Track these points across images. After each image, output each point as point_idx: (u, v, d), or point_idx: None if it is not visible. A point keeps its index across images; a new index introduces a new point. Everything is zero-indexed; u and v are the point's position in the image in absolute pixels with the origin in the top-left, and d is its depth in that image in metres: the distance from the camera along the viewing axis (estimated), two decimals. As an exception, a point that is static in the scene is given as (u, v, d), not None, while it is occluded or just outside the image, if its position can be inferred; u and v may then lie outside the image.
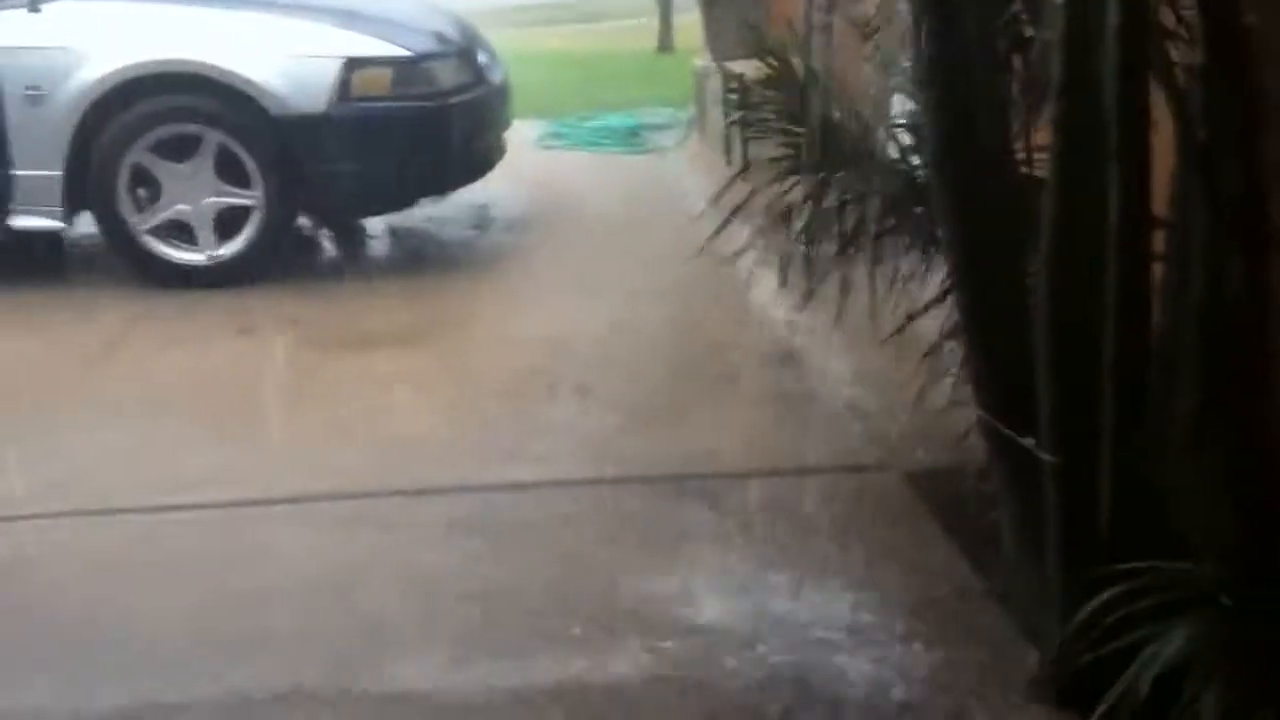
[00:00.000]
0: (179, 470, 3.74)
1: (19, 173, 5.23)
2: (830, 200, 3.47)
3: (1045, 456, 2.35)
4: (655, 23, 12.68)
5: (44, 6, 5.26)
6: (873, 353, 3.84)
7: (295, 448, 3.91)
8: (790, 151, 3.66)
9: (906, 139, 3.48)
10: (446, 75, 5.61)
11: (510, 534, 3.33)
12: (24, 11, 5.24)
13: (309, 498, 3.58)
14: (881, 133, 3.60)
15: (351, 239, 6.17)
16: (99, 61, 5.16)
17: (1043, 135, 2.60)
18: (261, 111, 5.22)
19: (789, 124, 3.71)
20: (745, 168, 3.92)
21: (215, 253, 5.34)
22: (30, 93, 5.14)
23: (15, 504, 3.53)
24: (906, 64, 3.54)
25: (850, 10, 5.04)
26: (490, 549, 3.25)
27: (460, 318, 5.13)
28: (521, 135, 6.97)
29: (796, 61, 3.81)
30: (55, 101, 5.15)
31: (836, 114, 3.65)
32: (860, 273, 3.44)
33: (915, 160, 3.38)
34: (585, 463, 3.75)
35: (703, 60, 7.68)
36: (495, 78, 5.97)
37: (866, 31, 3.65)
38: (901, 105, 3.59)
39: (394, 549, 3.26)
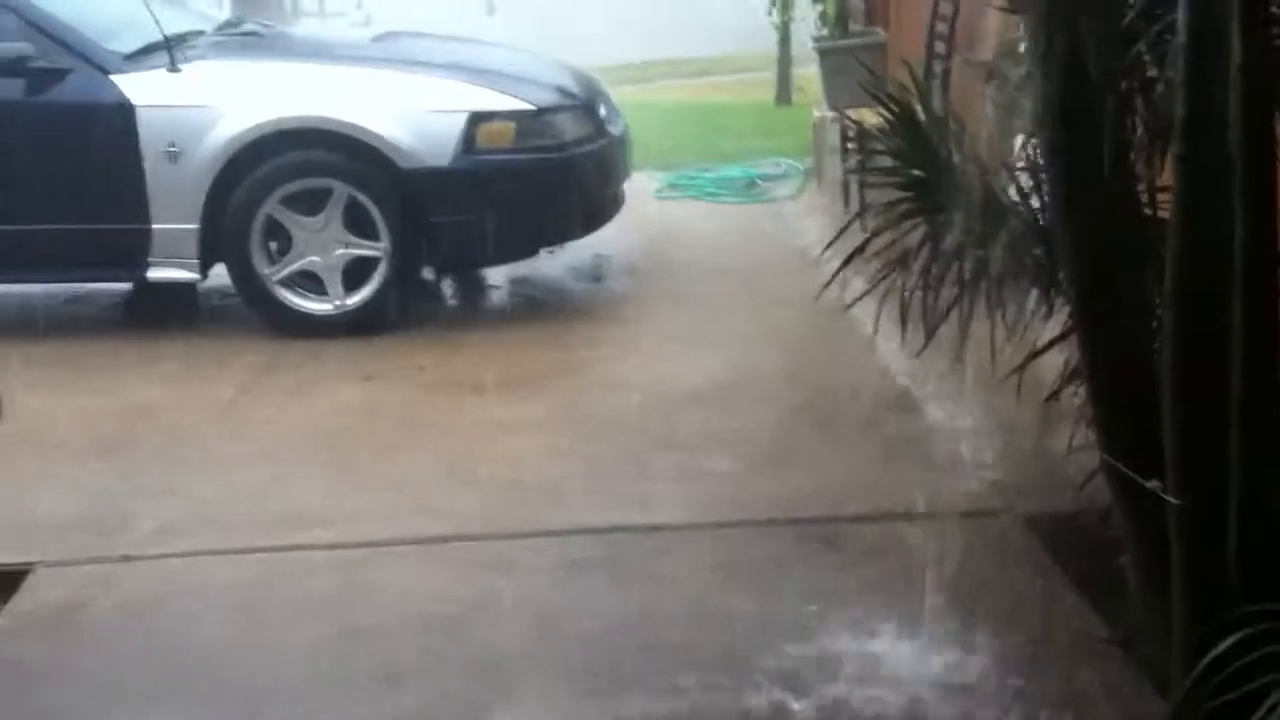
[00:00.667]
0: (305, 510, 3.83)
1: (157, 227, 5.40)
2: (949, 243, 3.46)
3: (1172, 499, 2.30)
4: (773, 76, 12.73)
5: (184, 67, 5.45)
6: (993, 396, 3.80)
7: (417, 490, 3.99)
8: (908, 195, 3.66)
9: (1027, 181, 3.46)
10: (568, 128, 5.70)
11: (629, 577, 3.35)
12: (164, 71, 5.43)
13: (431, 539, 3.64)
14: (1002, 175, 3.57)
15: (472, 287, 6.28)
16: (234, 119, 5.32)
17: (1166, 176, 2.57)
18: (389, 165, 5.35)
19: (907, 168, 3.71)
20: (862, 211, 3.90)
21: (342, 302, 5.46)
22: (169, 150, 5.32)
23: (149, 542, 3.66)
24: (1027, 105, 3.53)
25: (970, 53, 5.04)
26: (609, 591, 3.27)
27: (578, 364, 5.19)
28: (640, 186, 7.05)
29: (915, 106, 3.81)
30: (193, 158, 5.32)
31: (956, 157, 3.64)
32: (980, 316, 3.42)
33: (1036, 202, 3.36)
34: (703, 507, 3.77)
35: (820, 110, 7.70)
36: (615, 130, 6.05)
37: (987, 74, 3.64)
38: (1022, 147, 3.57)
39: (513, 589, 3.30)
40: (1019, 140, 3.67)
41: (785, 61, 12.34)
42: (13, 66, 5.32)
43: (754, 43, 15.35)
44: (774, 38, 12.60)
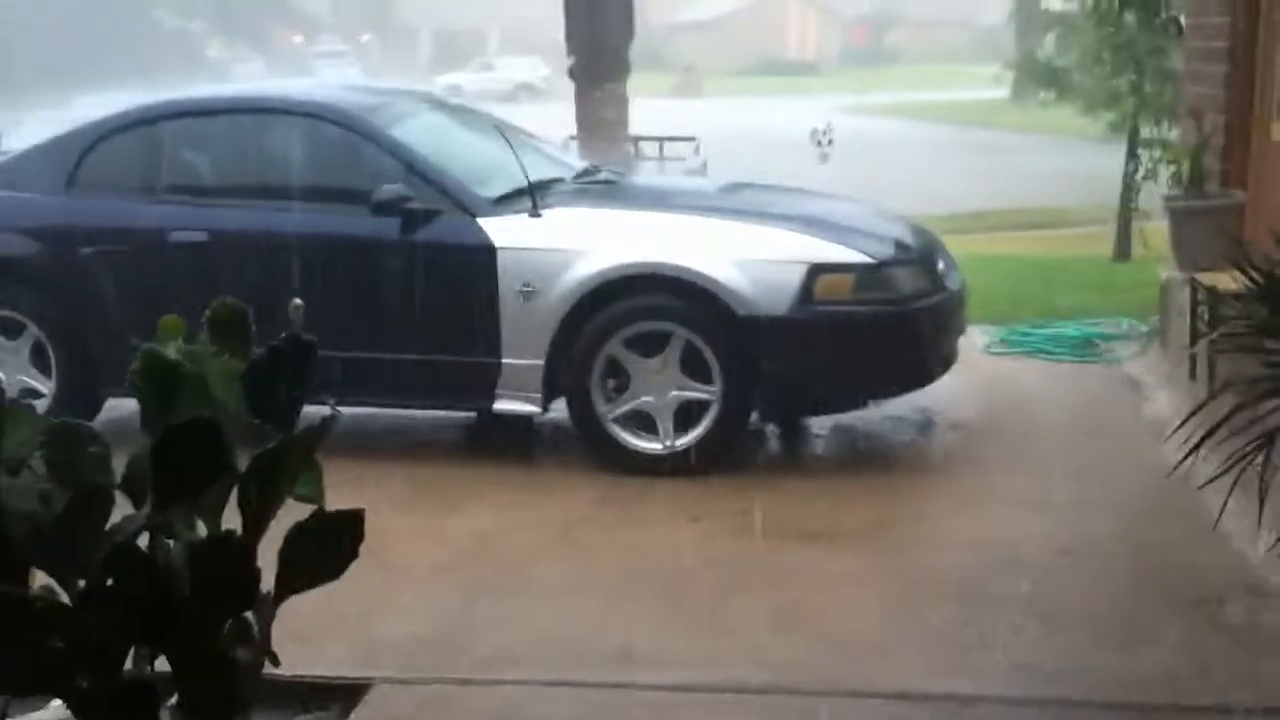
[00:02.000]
0: (628, 647, 3.92)
1: (506, 361, 5.69)
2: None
3: None
4: (1111, 230, 12.42)
5: (544, 212, 5.78)
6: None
7: (738, 635, 4.02)
8: (1271, 371, 3.49)
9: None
10: (906, 281, 5.71)
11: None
12: (526, 216, 5.77)
13: (750, 689, 3.66)
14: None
15: (798, 435, 6.32)
16: (586, 263, 5.58)
17: None
18: (727, 311, 5.49)
19: (1269, 341, 3.55)
20: (1222, 389, 3.73)
21: (673, 443, 5.59)
22: (524, 289, 5.62)
23: (486, 666, 3.81)
24: None
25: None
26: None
27: (903, 518, 5.13)
28: (972, 340, 6.97)
29: (1277, 270, 3.65)
30: (545, 298, 5.60)
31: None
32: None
33: None
34: (1032, 681, 3.63)
35: (1168, 270, 7.44)
36: (952, 284, 6.02)
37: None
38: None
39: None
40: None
41: (1126, 216, 12.04)
42: (391, 206, 5.75)
43: (1089, 194, 15.05)
44: (1113, 190, 12.34)
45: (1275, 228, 5.95)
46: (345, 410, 5.75)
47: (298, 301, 2.80)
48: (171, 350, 2.72)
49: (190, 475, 2.52)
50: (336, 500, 2.63)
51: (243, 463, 2.51)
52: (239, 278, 5.62)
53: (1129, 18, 11.08)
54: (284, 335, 2.68)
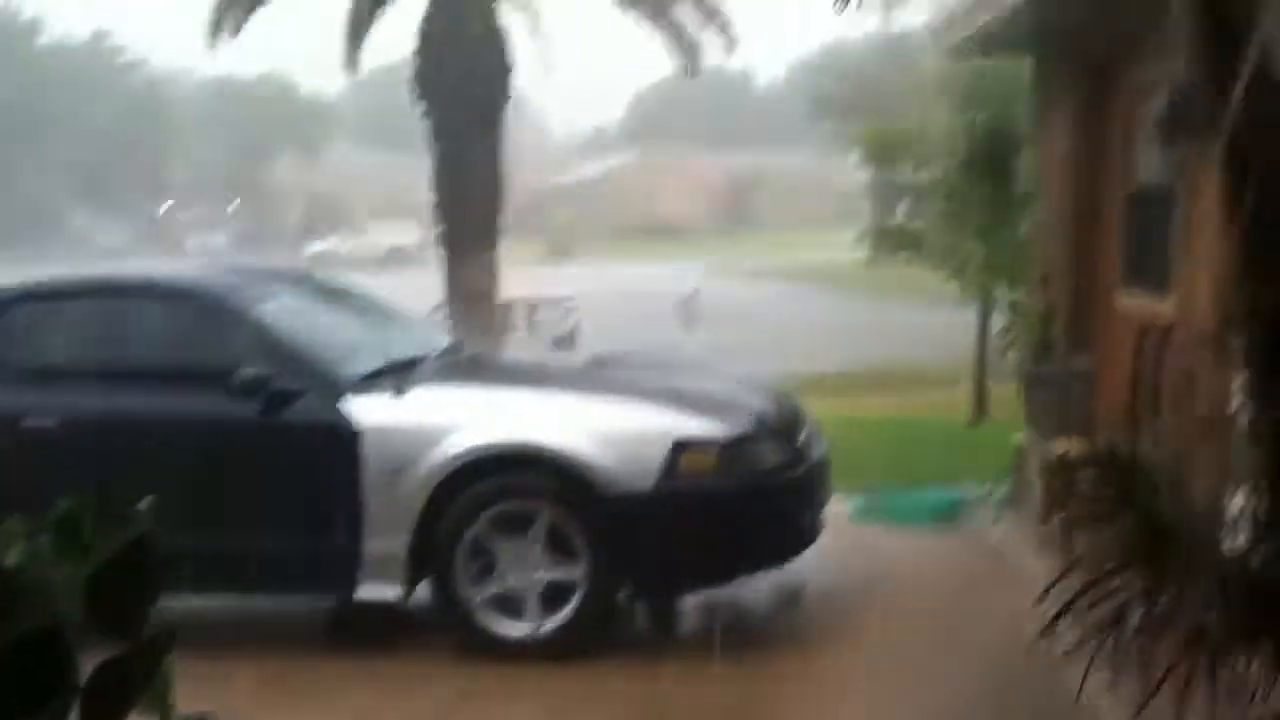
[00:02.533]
0: None
1: (369, 545, 5.56)
2: (1165, 602, 3.34)
3: None
4: (969, 391, 12.74)
5: (408, 391, 5.73)
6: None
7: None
8: (1120, 544, 3.57)
9: (1248, 537, 3.35)
10: (770, 455, 5.76)
11: None
12: (390, 395, 5.71)
13: None
14: (1223, 530, 3.48)
15: (667, 612, 6.25)
16: (451, 442, 5.53)
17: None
18: (592, 489, 5.46)
19: (1118, 512, 3.64)
20: (1074, 564, 3.81)
21: (539, 625, 5.50)
22: (388, 470, 5.53)
23: None
24: (1247, 458, 3.46)
25: (1182, 401, 4.97)
26: None
27: (775, 699, 5.09)
28: (836, 508, 7.02)
29: (1126, 448, 3.77)
30: (409, 479, 5.52)
31: (1171, 507, 3.56)
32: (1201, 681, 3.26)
33: (1258, 562, 3.25)
34: None
35: (1023, 435, 7.64)
36: (815, 456, 6.09)
37: (1204, 426, 3.60)
38: (1243, 502, 3.48)
39: None
40: (1237, 494, 3.58)
41: (981, 378, 12.38)
42: (251, 387, 5.65)
43: (949, 353, 15.47)
44: (971, 350, 12.70)
45: (1120, 396, 6.19)
46: (200, 600, 5.61)
47: (149, 500, 2.72)
48: (12, 555, 2.61)
49: (29, 691, 2.41)
50: (183, 700, 2.51)
51: (86, 673, 2.39)
52: (95, 463, 5.47)
53: (978, 189, 11.55)
54: (133, 537, 2.60)
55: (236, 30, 14.39)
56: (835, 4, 4.70)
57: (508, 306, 15.74)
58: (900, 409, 13.27)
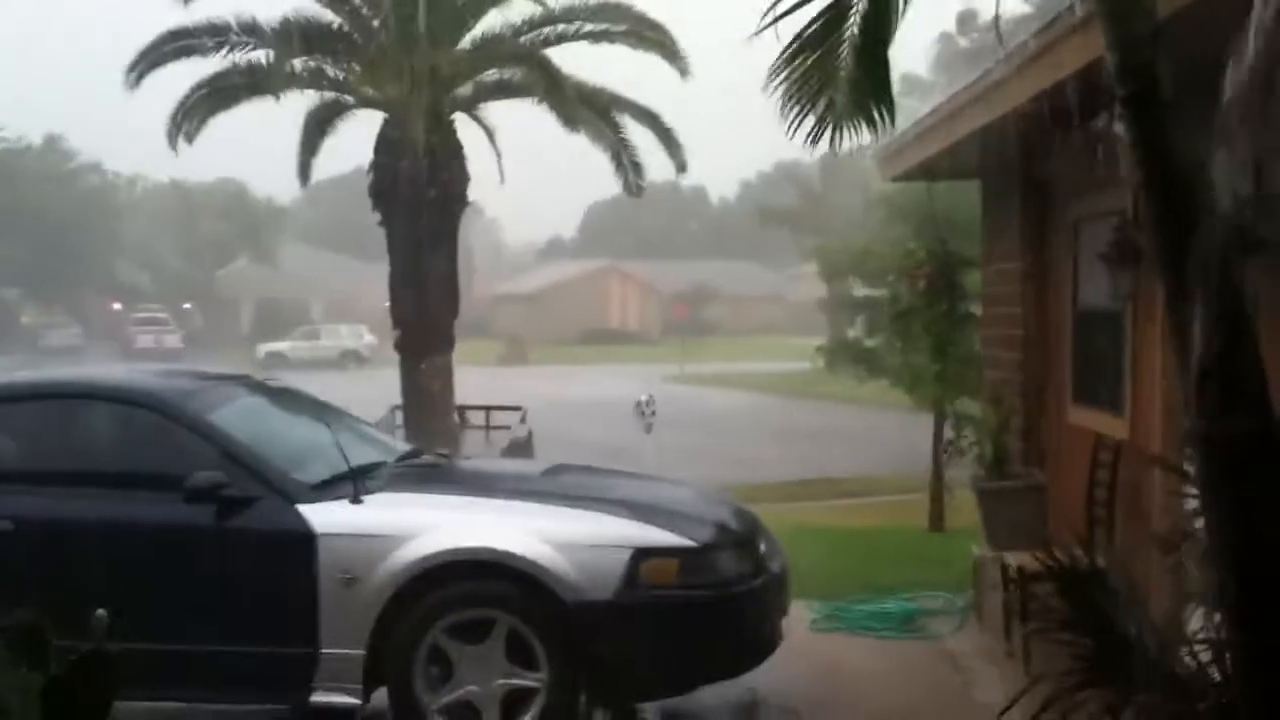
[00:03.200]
0: None
1: (325, 651, 5.51)
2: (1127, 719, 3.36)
3: None
4: (926, 499, 12.80)
5: (365, 498, 5.71)
6: None
7: None
8: (1081, 659, 3.59)
9: (1207, 655, 3.38)
10: (729, 565, 5.75)
11: None
12: (347, 502, 5.69)
13: None
14: (1179, 647, 3.50)
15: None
16: (409, 549, 5.50)
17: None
18: (552, 597, 5.43)
19: (1075, 625, 3.66)
20: (1035, 681, 3.82)
21: (499, 735, 5.44)
22: (344, 577, 5.49)
23: None
24: (1202, 577, 3.50)
25: (1136, 516, 5.03)
26: None
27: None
28: (796, 615, 7.00)
29: (1079, 561, 3.80)
30: (366, 585, 5.47)
31: (1127, 623, 3.58)
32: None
33: (1217, 679, 3.26)
34: None
35: (979, 546, 7.67)
36: (775, 566, 6.09)
37: (1160, 543, 3.64)
38: (1199, 620, 3.51)
39: None
40: (1194, 611, 3.62)
41: (938, 488, 12.45)
42: (205, 493, 5.61)
43: (906, 463, 15.55)
44: (927, 460, 12.78)
45: (1074, 510, 6.24)
46: (153, 704, 5.51)
47: (101, 612, 2.70)
48: (-34, 664, 2.57)
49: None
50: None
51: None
52: (46, 568, 5.43)
53: (930, 308, 11.76)
54: (85, 650, 2.57)
55: (192, 137, 14.49)
56: (786, 130, 4.83)
57: (464, 409, 15.70)
58: (861, 517, 13.29)
